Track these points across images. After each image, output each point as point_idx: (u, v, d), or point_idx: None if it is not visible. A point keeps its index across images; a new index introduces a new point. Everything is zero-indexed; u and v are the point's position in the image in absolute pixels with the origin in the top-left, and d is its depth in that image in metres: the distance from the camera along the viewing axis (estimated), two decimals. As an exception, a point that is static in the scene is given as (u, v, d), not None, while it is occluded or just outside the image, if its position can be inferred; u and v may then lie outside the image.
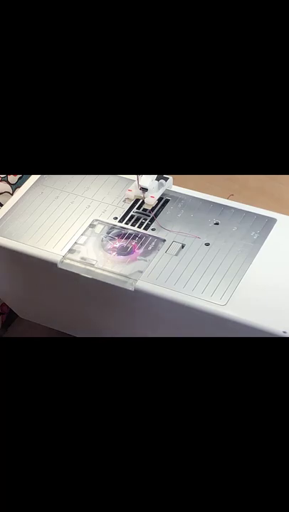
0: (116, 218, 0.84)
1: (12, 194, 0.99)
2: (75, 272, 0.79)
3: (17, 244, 0.82)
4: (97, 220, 0.84)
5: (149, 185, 0.85)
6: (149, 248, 0.81)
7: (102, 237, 0.82)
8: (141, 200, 0.85)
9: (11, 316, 1.01)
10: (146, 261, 0.79)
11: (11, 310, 0.98)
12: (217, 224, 0.83)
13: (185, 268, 0.78)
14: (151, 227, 0.83)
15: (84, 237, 0.82)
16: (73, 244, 0.81)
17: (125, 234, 0.82)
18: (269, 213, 0.84)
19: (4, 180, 0.99)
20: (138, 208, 0.85)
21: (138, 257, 0.80)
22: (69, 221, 0.84)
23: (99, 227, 0.83)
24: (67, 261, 0.79)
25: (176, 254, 0.79)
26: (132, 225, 0.83)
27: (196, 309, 0.75)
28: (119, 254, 0.80)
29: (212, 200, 0.86)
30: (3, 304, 0.99)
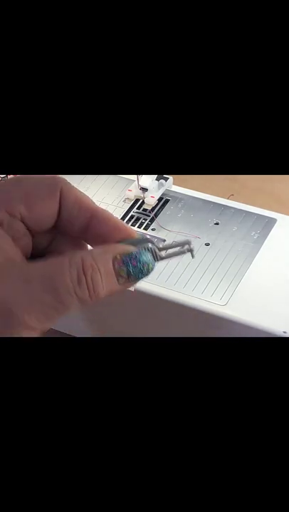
0: (116, 218, 0.84)
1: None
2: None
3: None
4: (97, 220, 0.84)
5: (149, 185, 0.85)
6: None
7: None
8: (141, 200, 0.85)
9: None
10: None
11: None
12: (217, 224, 0.83)
13: (185, 268, 0.78)
14: (151, 227, 0.83)
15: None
16: (73, 245, 0.81)
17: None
18: (269, 213, 0.84)
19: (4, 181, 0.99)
20: (138, 208, 0.85)
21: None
22: (69, 221, 0.84)
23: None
24: (67, 261, 0.79)
25: (176, 254, 0.79)
26: (132, 225, 0.83)
27: (196, 309, 0.75)
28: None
29: (212, 200, 0.86)
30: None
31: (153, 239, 0.81)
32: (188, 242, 0.46)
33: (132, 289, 0.77)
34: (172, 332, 0.78)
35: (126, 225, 0.46)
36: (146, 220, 0.84)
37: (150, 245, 0.44)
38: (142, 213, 0.85)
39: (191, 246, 0.46)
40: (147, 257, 0.44)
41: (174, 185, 0.88)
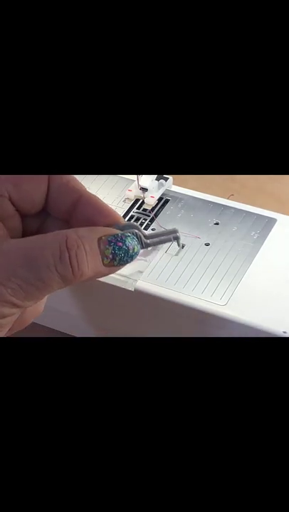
0: (116, 218, 0.84)
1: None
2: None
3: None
4: (97, 220, 0.84)
5: (149, 185, 0.85)
6: (149, 248, 0.81)
7: (102, 237, 0.82)
8: (141, 200, 0.85)
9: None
10: (146, 261, 0.79)
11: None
12: (217, 224, 0.83)
13: (185, 268, 0.78)
14: (151, 227, 0.83)
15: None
16: (73, 245, 0.81)
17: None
18: (269, 213, 0.84)
19: (4, 181, 0.99)
20: (138, 208, 0.85)
21: (138, 257, 0.80)
22: (69, 221, 0.84)
23: (99, 227, 0.83)
24: (67, 261, 0.79)
25: (176, 254, 0.79)
26: (132, 225, 0.83)
27: (196, 309, 0.75)
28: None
29: (212, 200, 0.86)
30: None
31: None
32: (175, 231, 0.46)
33: (131, 289, 0.76)
34: (172, 332, 0.78)
35: (113, 210, 0.46)
36: (146, 220, 0.84)
37: (136, 231, 0.45)
38: (142, 213, 0.85)
39: (178, 234, 0.46)
40: (133, 240, 0.44)
41: (173, 185, 0.88)
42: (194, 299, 0.75)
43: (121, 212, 0.85)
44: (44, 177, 0.44)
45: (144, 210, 0.85)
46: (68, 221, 0.45)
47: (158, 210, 0.85)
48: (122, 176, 0.89)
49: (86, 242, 0.43)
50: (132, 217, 0.84)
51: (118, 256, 0.44)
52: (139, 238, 0.45)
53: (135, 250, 0.44)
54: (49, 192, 0.45)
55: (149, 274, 0.78)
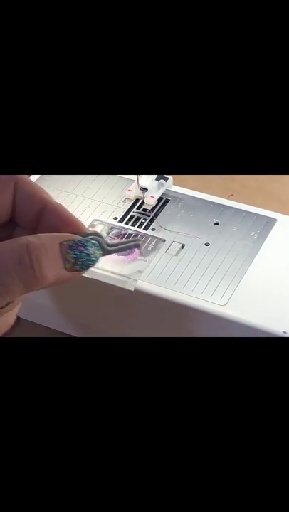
0: (116, 218, 0.84)
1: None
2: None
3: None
4: (97, 220, 0.84)
5: (149, 185, 0.85)
6: (149, 248, 0.81)
7: (102, 237, 0.82)
8: (141, 200, 0.85)
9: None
10: (146, 261, 0.79)
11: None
12: (217, 224, 0.83)
13: (185, 268, 0.78)
14: (151, 227, 0.83)
15: (84, 237, 0.81)
16: (73, 244, 0.81)
17: (125, 234, 0.82)
18: (269, 213, 0.84)
19: (4, 180, 0.99)
20: (138, 208, 0.85)
21: (138, 257, 0.80)
22: (69, 221, 0.83)
23: (99, 227, 0.83)
24: (67, 261, 0.79)
25: (176, 254, 0.79)
26: (132, 225, 0.83)
27: (196, 309, 0.75)
28: (118, 254, 0.80)
29: (212, 200, 0.86)
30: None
31: (153, 239, 0.81)
32: (136, 240, 0.48)
33: (131, 289, 0.76)
34: (172, 332, 0.78)
35: (77, 219, 0.46)
36: (146, 220, 0.84)
37: (98, 238, 0.46)
38: (142, 213, 0.85)
39: (139, 243, 0.47)
40: (94, 245, 0.45)
41: (174, 185, 0.88)
42: (194, 299, 0.75)
43: (121, 212, 0.85)
44: (9, 186, 0.45)
45: (144, 210, 0.85)
46: (35, 230, 0.46)
47: (158, 210, 0.85)
48: (122, 176, 0.89)
49: (48, 247, 0.43)
50: (132, 217, 0.84)
51: (80, 260, 0.44)
52: (100, 244, 0.46)
53: (96, 255, 0.45)
54: (15, 201, 0.45)
55: (149, 274, 0.78)
